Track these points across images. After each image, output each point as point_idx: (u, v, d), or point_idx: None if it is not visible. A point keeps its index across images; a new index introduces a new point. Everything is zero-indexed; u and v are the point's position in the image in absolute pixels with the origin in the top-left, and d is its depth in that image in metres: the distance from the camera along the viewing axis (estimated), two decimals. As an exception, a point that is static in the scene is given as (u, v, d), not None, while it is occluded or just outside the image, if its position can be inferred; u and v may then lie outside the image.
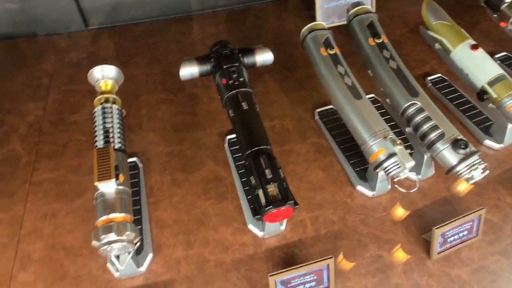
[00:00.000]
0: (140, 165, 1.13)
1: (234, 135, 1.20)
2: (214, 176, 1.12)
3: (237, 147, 1.17)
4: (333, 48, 1.13)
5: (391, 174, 0.95)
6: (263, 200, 0.82)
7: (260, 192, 0.84)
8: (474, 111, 1.29)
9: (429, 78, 1.41)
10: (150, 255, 0.93)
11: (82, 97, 1.37)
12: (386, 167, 0.94)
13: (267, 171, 0.85)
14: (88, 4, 1.61)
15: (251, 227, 0.99)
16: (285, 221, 1.01)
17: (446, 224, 0.91)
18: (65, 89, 1.40)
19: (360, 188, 1.08)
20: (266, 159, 0.87)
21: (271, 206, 0.80)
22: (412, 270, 0.93)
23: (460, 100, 1.33)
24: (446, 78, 1.41)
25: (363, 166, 1.12)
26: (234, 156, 1.15)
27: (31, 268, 0.93)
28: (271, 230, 0.98)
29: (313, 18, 1.65)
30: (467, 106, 1.31)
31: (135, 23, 1.70)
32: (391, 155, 0.93)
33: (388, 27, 1.66)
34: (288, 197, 0.83)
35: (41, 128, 1.26)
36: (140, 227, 0.98)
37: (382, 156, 0.94)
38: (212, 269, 0.93)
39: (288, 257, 0.96)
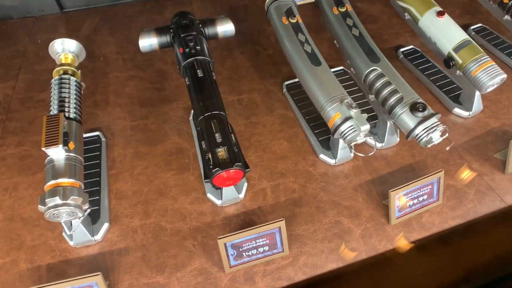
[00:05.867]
0: (103, 139, 1.12)
1: (199, 108, 1.20)
2: (177, 148, 1.12)
3: (201, 119, 1.16)
4: (294, 16, 1.11)
5: (348, 138, 0.93)
6: (211, 163, 0.82)
7: (210, 155, 0.83)
8: (445, 81, 1.27)
9: (401, 49, 1.39)
10: (106, 225, 0.93)
11: (52, 76, 1.36)
12: (342, 132, 0.93)
13: (217, 135, 0.85)
14: (62, -14, 1.61)
15: (209, 196, 0.99)
16: (244, 189, 1.00)
17: (403, 187, 0.90)
18: (35, 68, 1.39)
19: (322, 156, 1.07)
20: (217, 124, 0.87)
21: (217, 169, 0.80)
22: (370, 235, 0.92)
23: (431, 71, 1.31)
24: (419, 49, 1.39)
25: (327, 135, 1.11)
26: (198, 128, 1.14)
27: (-12, 238, 0.93)
28: (229, 198, 0.97)
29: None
30: (438, 76, 1.29)
31: (110, 5, 1.69)
32: (347, 119, 0.92)
33: (363, 2, 1.65)
34: (237, 159, 0.82)
35: (9, 107, 1.26)
36: (97, 197, 0.98)
37: (338, 120, 0.93)
38: (168, 237, 0.93)
39: (246, 224, 0.95)
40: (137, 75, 1.35)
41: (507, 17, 1.29)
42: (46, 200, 0.77)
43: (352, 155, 1.06)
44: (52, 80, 1.00)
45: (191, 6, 1.67)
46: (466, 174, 1.04)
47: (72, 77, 1.01)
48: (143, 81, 1.33)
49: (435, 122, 0.93)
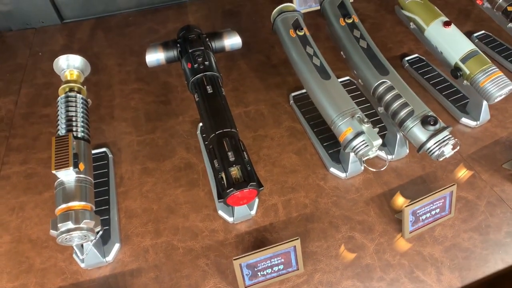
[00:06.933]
0: (110, 156, 1.11)
1: (206, 122, 1.19)
2: (185, 163, 1.10)
3: (209, 133, 1.15)
4: (302, 29, 1.11)
5: (360, 153, 0.93)
6: (225, 182, 0.81)
7: (223, 175, 0.82)
8: (451, 90, 1.27)
9: (406, 58, 1.39)
10: (117, 245, 0.92)
11: (55, 90, 1.32)
12: (354, 146, 0.92)
13: (229, 153, 0.83)
14: (61, -3, 1.59)
15: (221, 213, 0.98)
16: (255, 205, 0.99)
17: (416, 202, 0.89)
18: (37, 82, 1.37)
19: (333, 170, 1.06)
20: (229, 142, 0.86)
21: (232, 189, 0.79)
22: (384, 250, 0.92)
23: (437, 79, 1.31)
24: (424, 58, 1.39)
25: (336, 148, 1.10)
26: (206, 142, 1.13)
27: (-4, 261, 0.91)
28: (241, 215, 0.96)
29: (290, 3, 1.63)
30: (444, 85, 1.29)
31: (111, 15, 1.68)
32: (359, 134, 0.91)
33: (366, 9, 1.65)
34: (251, 179, 0.81)
35: (12, 122, 1.24)
36: (107, 217, 0.96)
37: (350, 135, 0.92)
38: (181, 256, 0.92)
39: (258, 241, 0.94)
40: (141, 88, 1.34)
41: (511, 25, 1.29)
42: (58, 225, 0.75)
43: (362, 168, 1.05)
44: (59, 98, 0.98)
45: (193, 16, 1.66)
46: (476, 186, 1.04)
47: (78, 95, 0.99)
48: (148, 94, 1.32)
49: (447, 136, 0.93)
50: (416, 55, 1.40)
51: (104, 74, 1.39)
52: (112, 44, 1.53)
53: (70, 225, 0.76)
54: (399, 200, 1.01)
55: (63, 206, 0.79)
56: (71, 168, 0.80)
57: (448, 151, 0.93)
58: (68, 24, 1.64)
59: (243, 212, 0.96)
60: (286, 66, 1.40)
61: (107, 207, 0.98)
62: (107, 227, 0.94)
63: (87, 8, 1.64)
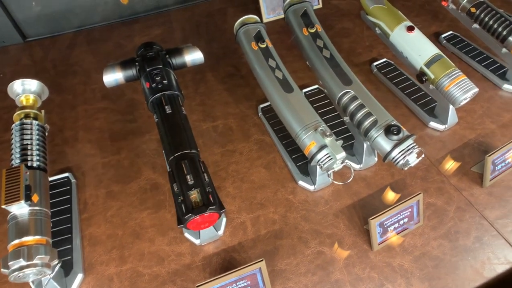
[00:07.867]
0: (73, 180, 1.08)
1: (172, 140, 1.16)
2: (151, 184, 1.08)
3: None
4: (264, 41, 1.09)
5: (325, 166, 0.91)
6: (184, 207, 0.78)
7: (182, 199, 0.80)
8: (419, 93, 1.26)
9: (375, 63, 1.38)
10: (80, 275, 0.89)
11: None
12: (318, 160, 0.91)
13: (188, 176, 0.81)
14: (22, 16, 1.54)
15: (187, 235, 0.95)
16: (223, 225, 0.97)
17: (383, 214, 0.88)
18: (-2, 106, 1.33)
19: (301, 183, 1.04)
20: (188, 164, 0.83)
21: (190, 214, 0.76)
22: (353, 264, 0.91)
23: (406, 84, 1.30)
24: (392, 62, 1.38)
25: (305, 160, 1.08)
26: (172, 161, 1.11)
27: (-46, 300, 0.88)
28: (208, 236, 0.94)
29: (259, 11, 1.61)
30: (412, 89, 1.28)
31: (75, 31, 1.64)
32: (322, 148, 0.90)
33: (335, 14, 1.64)
34: (210, 202, 0.79)
35: (-29, 150, 1.20)
36: (69, 246, 0.93)
37: (313, 149, 0.91)
38: (146, 283, 0.89)
39: (226, 262, 0.92)
40: (107, 107, 1.31)
41: (475, 25, 1.29)
42: (9, 263, 0.72)
43: (331, 179, 1.04)
44: (13, 125, 0.95)
45: (160, 28, 1.63)
46: (445, 191, 1.03)
47: (34, 121, 0.96)
48: (114, 112, 1.28)
49: (411, 144, 0.92)
50: (385, 59, 1.39)
51: (68, 94, 1.36)
52: (77, 62, 1.49)
53: (22, 262, 0.72)
54: (369, 210, 1.00)
55: (16, 241, 0.76)
56: (23, 201, 0.77)
57: (412, 159, 0.92)
58: (31, 42, 1.60)
59: (210, 233, 0.93)
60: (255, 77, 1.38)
61: (70, 235, 0.95)
62: (69, 257, 0.91)
63: (50, 25, 1.60)
